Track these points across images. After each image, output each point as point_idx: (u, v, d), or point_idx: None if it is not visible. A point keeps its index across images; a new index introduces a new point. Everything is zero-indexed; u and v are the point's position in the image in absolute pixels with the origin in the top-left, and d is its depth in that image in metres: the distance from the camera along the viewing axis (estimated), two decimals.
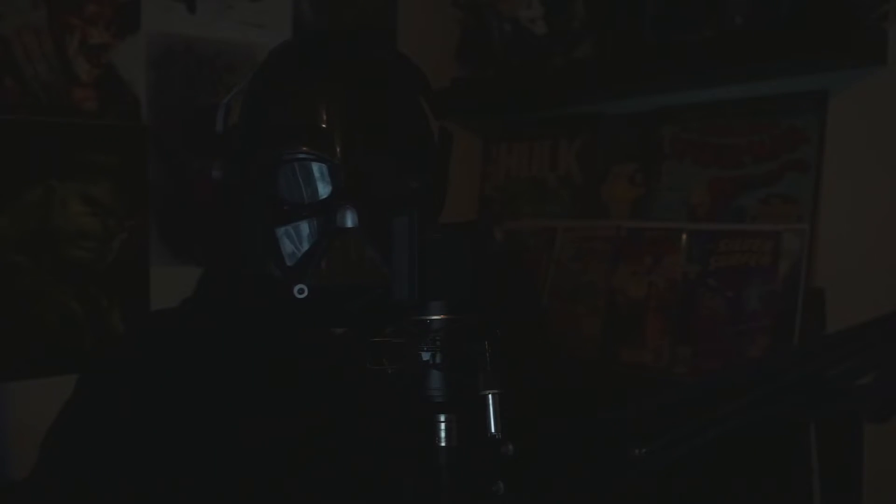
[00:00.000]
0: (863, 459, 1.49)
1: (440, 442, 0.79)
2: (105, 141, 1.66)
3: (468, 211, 2.09)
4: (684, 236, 1.70)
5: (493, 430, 0.75)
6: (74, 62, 1.63)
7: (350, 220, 0.91)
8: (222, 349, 1.02)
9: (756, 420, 0.67)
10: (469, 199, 2.11)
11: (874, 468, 1.47)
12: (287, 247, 0.97)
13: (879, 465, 1.47)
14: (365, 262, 0.92)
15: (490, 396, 0.76)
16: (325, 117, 0.96)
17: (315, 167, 0.96)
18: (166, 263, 1.71)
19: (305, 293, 0.91)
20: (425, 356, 0.79)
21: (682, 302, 1.67)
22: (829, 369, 0.64)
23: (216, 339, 1.03)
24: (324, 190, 0.96)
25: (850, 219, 1.53)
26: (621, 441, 0.70)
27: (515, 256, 1.85)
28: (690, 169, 1.73)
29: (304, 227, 0.95)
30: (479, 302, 0.81)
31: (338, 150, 0.94)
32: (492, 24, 1.97)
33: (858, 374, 0.63)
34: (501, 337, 0.79)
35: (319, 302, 0.94)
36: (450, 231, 0.83)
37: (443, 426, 0.79)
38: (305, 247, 0.96)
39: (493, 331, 0.79)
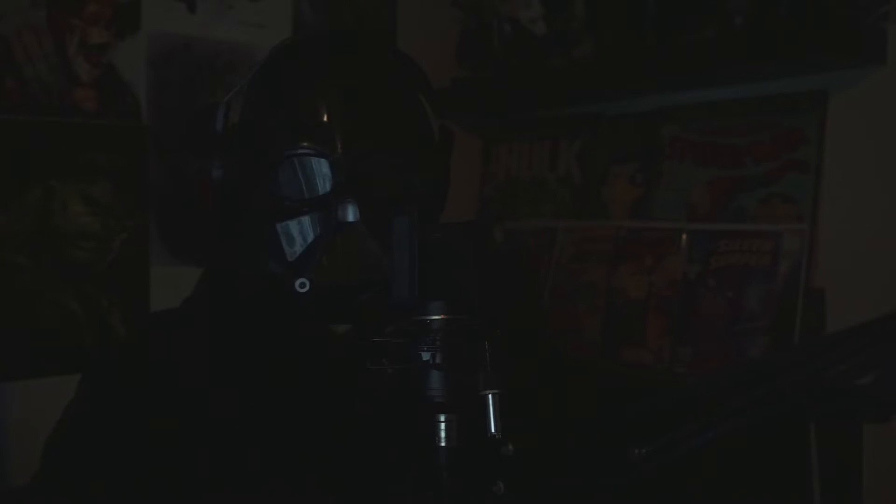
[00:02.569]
0: (863, 459, 1.49)
1: (440, 442, 0.79)
2: (105, 141, 1.66)
3: (468, 211, 2.09)
4: (684, 236, 1.70)
5: (493, 430, 0.75)
6: (74, 62, 1.63)
7: (351, 215, 0.91)
8: (223, 349, 1.02)
9: (756, 420, 0.67)
10: (469, 199, 2.11)
11: (874, 468, 1.47)
12: (288, 243, 0.97)
13: (879, 465, 1.47)
14: (366, 257, 0.92)
15: (490, 396, 0.76)
16: (325, 113, 0.96)
17: (316, 163, 0.96)
18: (166, 263, 1.71)
19: (307, 287, 0.91)
20: (425, 356, 0.79)
21: (682, 302, 1.67)
22: (829, 369, 0.64)
23: (217, 339, 1.03)
24: (324, 185, 0.96)
25: (850, 219, 1.53)
26: (621, 441, 0.70)
27: (515, 256, 1.85)
28: (690, 169, 1.73)
29: (306, 222, 0.95)
30: (479, 302, 0.81)
31: (338, 145, 0.94)
32: (492, 24, 1.97)
33: (858, 374, 0.63)
34: (501, 337, 0.79)
35: (321, 297, 0.94)
36: (450, 231, 0.83)
37: (443, 426, 0.79)
38: (306, 242, 0.96)
39: (493, 331, 0.79)
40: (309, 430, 0.99)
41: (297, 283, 0.92)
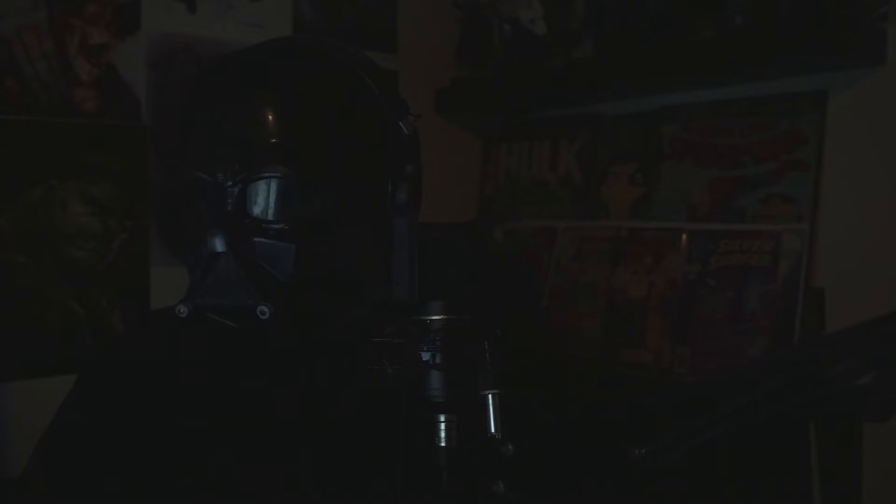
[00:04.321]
0: (862, 459, 1.49)
1: (440, 442, 0.79)
2: (105, 141, 1.65)
3: (468, 211, 2.09)
4: (684, 236, 1.70)
5: (493, 430, 0.75)
6: (74, 62, 1.63)
7: (219, 245, 0.89)
8: (221, 348, 1.02)
9: (756, 420, 0.67)
10: (469, 199, 2.11)
11: (874, 468, 1.47)
12: (189, 266, 0.96)
13: (879, 465, 1.47)
14: (231, 285, 0.89)
15: (490, 396, 0.76)
16: (214, 139, 0.93)
17: (205, 189, 0.94)
18: (166, 263, 1.71)
19: (185, 313, 0.90)
20: (425, 356, 0.79)
21: (682, 302, 1.67)
22: (829, 369, 0.64)
23: (215, 338, 1.03)
24: (210, 211, 0.93)
25: (850, 219, 1.53)
26: (621, 441, 0.70)
27: (515, 256, 1.85)
28: (690, 169, 1.73)
29: (201, 247, 0.94)
30: (479, 302, 0.81)
31: (221, 171, 0.91)
32: (492, 24, 1.97)
33: (858, 374, 0.63)
34: (501, 337, 0.79)
35: (201, 323, 0.92)
36: (450, 231, 0.83)
37: (443, 426, 0.79)
38: (197, 268, 0.94)
39: (493, 331, 0.79)
40: (307, 430, 0.99)
41: (177, 308, 0.91)
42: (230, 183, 0.91)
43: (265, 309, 0.87)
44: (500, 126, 2.11)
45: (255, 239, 0.91)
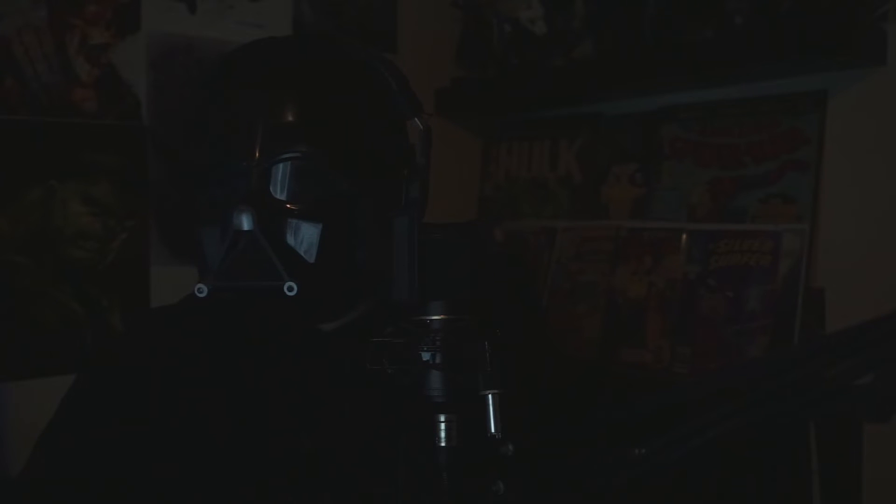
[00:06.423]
0: (863, 459, 1.49)
1: (440, 442, 0.79)
2: (105, 141, 1.65)
3: (468, 211, 2.09)
4: (684, 236, 1.70)
5: (493, 430, 0.76)
6: (75, 62, 1.63)
7: (246, 223, 0.89)
8: (219, 345, 1.02)
9: (756, 420, 0.67)
10: (469, 199, 2.11)
11: (874, 468, 1.47)
12: (207, 248, 0.96)
13: (879, 465, 1.47)
14: (258, 263, 0.90)
15: (490, 396, 0.76)
16: (237, 122, 0.94)
17: (229, 169, 0.95)
18: (166, 263, 1.71)
19: (204, 293, 0.90)
20: (425, 356, 0.79)
21: (682, 302, 1.67)
22: (829, 369, 0.64)
23: (215, 336, 1.03)
24: (233, 192, 0.94)
25: (850, 219, 1.53)
26: (621, 441, 0.70)
27: (515, 256, 1.85)
28: (690, 169, 1.73)
29: (220, 228, 0.94)
30: (478, 302, 0.81)
31: (245, 152, 0.93)
32: (492, 24, 1.97)
33: (858, 374, 0.63)
34: (501, 337, 0.79)
35: (221, 302, 0.93)
36: (449, 231, 0.83)
37: (443, 426, 0.79)
38: (218, 248, 0.94)
39: (493, 331, 0.79)
40: (308, 429, 0.99)
41: (196, 287, 0.91)
42: (255, 163, 0.92)
43: (293, 285, 0.87)
44: (500, 126, 2.11)
45: (281, 218, 0.92)
